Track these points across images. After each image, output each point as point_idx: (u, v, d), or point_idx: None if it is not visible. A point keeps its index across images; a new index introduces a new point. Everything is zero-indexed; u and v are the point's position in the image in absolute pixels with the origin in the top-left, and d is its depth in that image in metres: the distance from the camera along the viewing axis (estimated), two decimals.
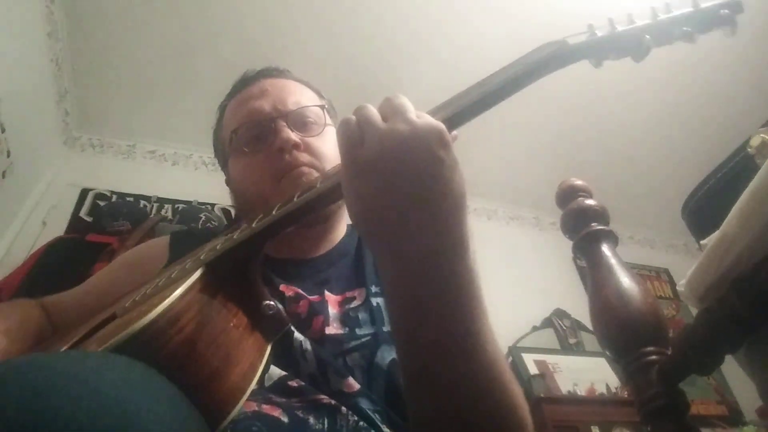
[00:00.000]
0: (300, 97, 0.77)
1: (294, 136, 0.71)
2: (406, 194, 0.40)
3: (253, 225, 0.52)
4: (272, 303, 0.50)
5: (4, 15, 1.72)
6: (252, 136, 0.74)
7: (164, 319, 0.40)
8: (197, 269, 0.48)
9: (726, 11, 0.56)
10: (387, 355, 0.59)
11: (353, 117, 0.45)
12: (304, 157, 0.71)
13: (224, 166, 0.83)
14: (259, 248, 0.52)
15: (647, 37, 0.55)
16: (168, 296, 0.42)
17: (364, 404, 0.54)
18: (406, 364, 0.43)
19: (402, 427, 0.56)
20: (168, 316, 0.41)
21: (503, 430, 0.40)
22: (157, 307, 0.40)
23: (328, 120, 0.78)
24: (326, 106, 0.79)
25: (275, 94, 0.75)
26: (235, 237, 0.52)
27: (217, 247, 0.53)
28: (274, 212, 0.53)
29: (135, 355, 0.36)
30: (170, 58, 2.26)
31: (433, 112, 0.48)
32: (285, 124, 0.72)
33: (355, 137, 0.43)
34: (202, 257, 0.53)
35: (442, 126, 0.43)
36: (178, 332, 0.41)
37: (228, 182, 0.83)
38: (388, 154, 0.40)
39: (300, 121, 0.74)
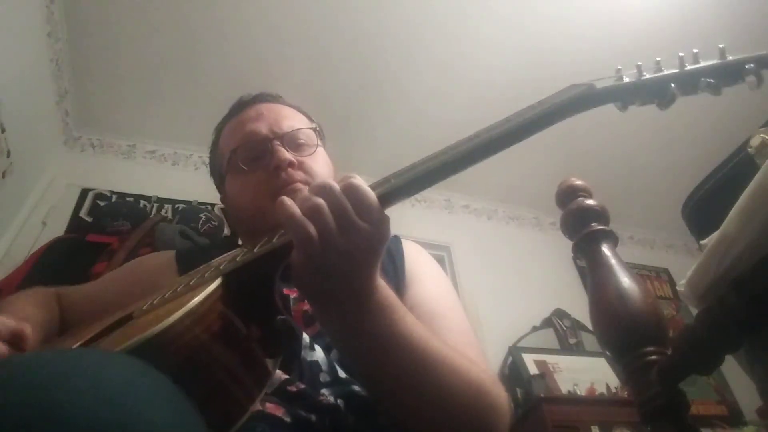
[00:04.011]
0: (293, 120, 0.83)
1: (289, 155, 0.75)
2: (357, 281, 0.49)
3: (274, 240, 0.53)
4: (286, 318, 0.52)
5: (4, 15, 1.72)
6: (250, 155, 0.78)
7: (182, 325, 0.42)
8: (216, 278, 0.49)
9: (752, 65, 0.55)
10: None
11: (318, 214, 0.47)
12: (298, 174, 0.75)
13: (220, 185, 0.86)
14: (278, 263, 0.52)
15: (673, 86, 0.55)
16: (186, 303, 0.43)
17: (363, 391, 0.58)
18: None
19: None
20: (186, 323, 0.42)
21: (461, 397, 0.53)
22: (176, 313, 0.42)
23: (319, 142, 0.83)
24: (317, 129, 0.85)
25: (271, 117, 0.81)
26: (255, 250, 0.53)
27: (237, 258, 0.54)
28: None
29: (150, 357, 0.37)
30: (171, 57, 2.26)
31: (469, 139, 0.52)
32: (280, 144, 0.77)
33: (321, 242, 0.46)
34: (221, 267, 0.54)
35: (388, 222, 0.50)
36: (194, 338, 0.42)
37: (223, 200, 0.87)
38: (346, 263, 0.48)
39: (294, 142, 0.80)
